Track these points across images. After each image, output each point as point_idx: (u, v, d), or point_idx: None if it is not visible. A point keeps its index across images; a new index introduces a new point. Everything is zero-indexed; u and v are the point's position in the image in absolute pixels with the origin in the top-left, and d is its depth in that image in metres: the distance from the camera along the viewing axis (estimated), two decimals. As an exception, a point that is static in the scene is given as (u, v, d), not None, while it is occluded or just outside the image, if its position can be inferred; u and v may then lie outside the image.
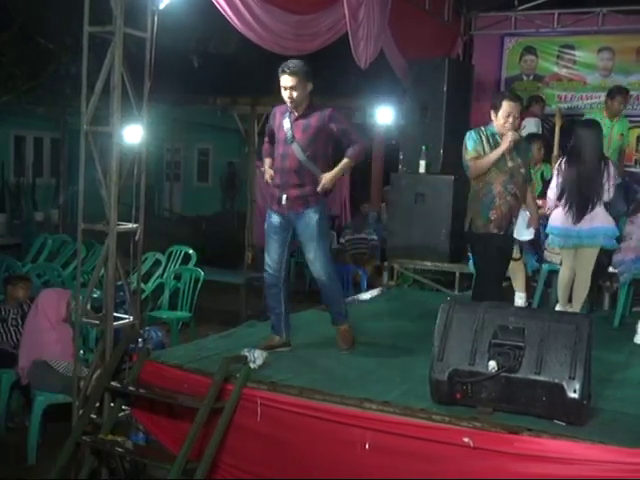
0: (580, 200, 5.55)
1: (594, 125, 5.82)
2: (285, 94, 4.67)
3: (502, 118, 5.04)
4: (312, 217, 4.74)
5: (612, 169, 5.61)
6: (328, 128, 4.71)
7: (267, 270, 4.89)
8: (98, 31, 4.56)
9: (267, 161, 5.06)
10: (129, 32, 4.55)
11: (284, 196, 4.77)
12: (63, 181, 12.84)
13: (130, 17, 4.65)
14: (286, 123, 4.75)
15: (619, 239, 5.80)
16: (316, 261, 4.79)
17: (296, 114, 4.74)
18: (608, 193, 5.60)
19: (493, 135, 5.10)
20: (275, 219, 4.85)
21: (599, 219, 5.54)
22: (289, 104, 4.71)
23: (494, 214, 5.02)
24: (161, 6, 4.87)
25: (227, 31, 8.68)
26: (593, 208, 5.53)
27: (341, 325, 5.00)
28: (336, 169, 4.75)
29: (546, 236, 6.27)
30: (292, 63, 4.68)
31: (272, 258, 4.86)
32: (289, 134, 4.73)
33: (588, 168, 5.55)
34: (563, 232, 5.65)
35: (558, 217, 5.67)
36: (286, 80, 4.64)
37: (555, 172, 5.79)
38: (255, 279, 9.33)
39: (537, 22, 9.96)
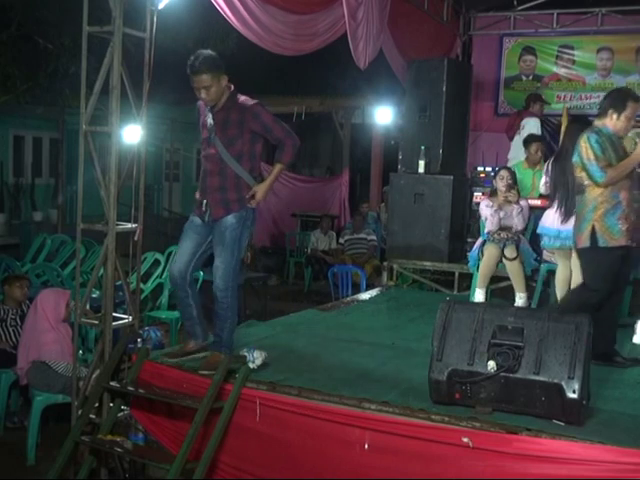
0: (562, 199, 5.54)
1: (581, 120, 5.93)
2: (199, 95, 4.28)
3: (626, 120, 4.58)
4: (229, 222, 4.32)
5: None
6: (249, 124, 4.28)
7: (172, 271, 4.50)
8: (97, 31, 4.56)
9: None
10: (128, 32, 4.54)
11: (204, 201, 4.39)
12: (62, 181, 12.83)
13: (129, 17, 4.65)
14: (209, 119, 4.35)
15: None
16: (217, 270, 4.32)
17: (216, 109, 4.35)
18: None
19: (610, 137, 4.63)
20: (197, 220, 4.46)
21: None
22: (207, 103, 4.34)
23: (624, 224, 4.57)
24: (160, 6, 4.86)
25: (226, 31, 8.70)
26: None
27: (215, 351, 4.44)
28: (269, 178, 4.40)
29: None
30: (200, 60, 4.21)
31: (181, 258, 4.45)
32: (211, 131, 4.34)
33: (571, 165, 5.40)
34: (550, 232, 5.68)
35: (548, 218, 5.71)
36: (197, 81, 4.22)
37: (544, 171, 5.83)
38: (254, 279, 9.36)
39: (536, 22, 9.99)
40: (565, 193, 5.54)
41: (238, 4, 5.67)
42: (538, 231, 5.89)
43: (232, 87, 4.36)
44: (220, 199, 4.34)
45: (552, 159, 5.83)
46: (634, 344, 5.37)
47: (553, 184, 5.67)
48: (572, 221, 5.47)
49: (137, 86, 4.70)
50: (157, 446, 4.38)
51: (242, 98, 4.37)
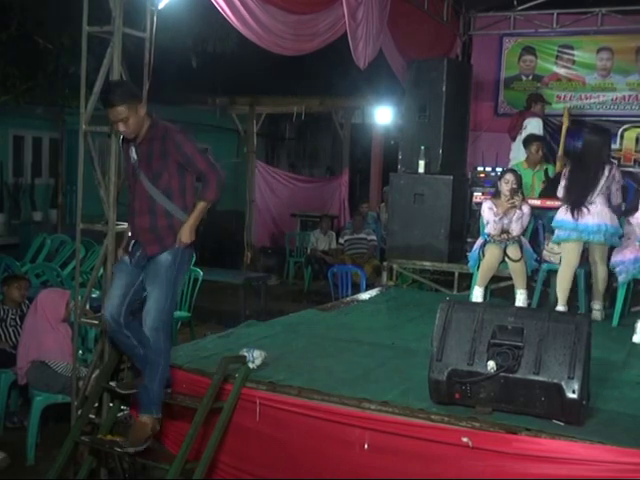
0: (578, 196, 5.76)
1: (600, 132, 6.19)
2: (118, 128, 3.97)
3: None
4: (164, 260, 3.96)
5: (617, 174, 5.85)
6: (172, 154, 3.92)
7: (105, 317, 4.10)
8: (97, 31, 4.56)
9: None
10: (128, 32, 4.55)
11: (133, 242, 4.08)
12: (62, 181, 12.83)
13: (129, 17, 4.65)
14: (132, 153, 4.03)
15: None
16: (148, 313, 3.94)
17: (138, 141, 4.01)
18: (615, 197, 5.87)
19: None
20: (126, 259, 4.12)
21: (602, 216, 5.74)
22: (127, 136, 4.01)
23: None
24: (160, 6, 4.87)
25: (226, 31, 8.70)
26: (593, 203, 5.72)
27: (143, 414, 4.00)
28: (191, 218, 3.97)
29: (545, 235, 6.34)
30: (112, 91, 3.96)
31: (112, 302, 4.05)
32: (135, 165, 4.01)
33: (588, 172, 5.79)
34: (568, 225, 5.82)
35: (564, 213, 5.88)
36: (112, 114, 3.90)
37: (562, 175, 6.00)
38: (254, 279, 9.36)
39: (536, 22, 9.99)
40: (583, 193, 5.76)
41: (238, 4, 5.67)
42: (553, 224, 5.99)
43: (153, 116, 4.03)
44: (153, 238, 3.98)
45: (570, 166, 6.08)
46: (634, 343, 5.36)
47: (569, 186, 5.86)
48: (589, 216, 5.71)
49: (137, 86, 4.69)
50: (157, 446, 4.38)
51: (164, 126, 4.01)
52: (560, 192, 6.01)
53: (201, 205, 3.99)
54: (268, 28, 6.04)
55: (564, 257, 5.95)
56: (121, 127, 3.92)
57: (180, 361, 4.48)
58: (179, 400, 4.18)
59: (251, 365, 4.26)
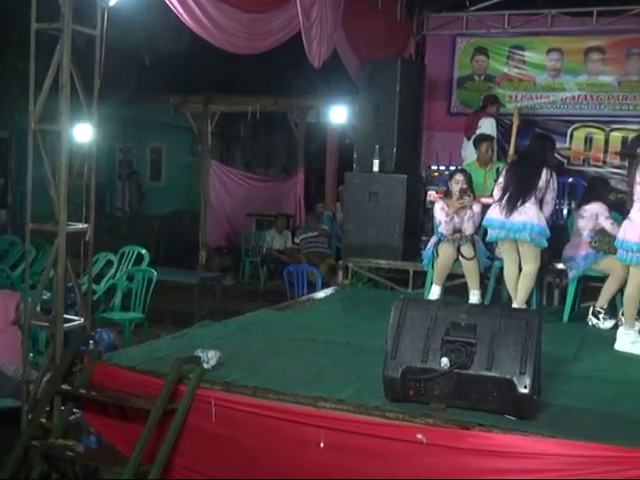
0: (511, 195, 5.80)
1: (544, 139, 6.34)
2: None
3: None
4: None
5: (554, 182, 5.87)
6: None
7: None
8: (45, 28, 4.48)
9: None
10: (78, 29, 4.48)
11: None
12: (11, 181, 12.59)
13: (79, 14, 4.57)
14: None
15: (550, 240, 5.91)
16: None
17: None
18: (547, 207, 5.87)
19: None
20: None
21: (529, 215, 5.74)
22: None
23: None
24: (111, 3, 4.80)
25: (179, 29, 8.60)
26: (523, 203, 5.74)
27: None
28: None
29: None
30: None
31: None
32: None
33: (527, 171, 5.86)
34: (495, 224, 5.87)
35: (494, 210, 5.91)
36: None
37: (502, 173, 6.06)
38: (209, 279, 9.30)
39: (488, 23, 10.11)
40: (518, 192, 5.76)
41: (190, 1, 5.61)
42: (484, 223, 6.04)
43: None
44: None
45: (509, 165, 6.22)
46: (616, 350, 5.33)
47: (506, 184, 5.83)
48: (516, 214, 5.72)
49: (88, 84, 4.63)
50: (111, 449, 4.31)
51: None
52: (495, 190, 6.06)
53: None
54: (221, 26, 5.98)
55: (503, 255, 6.05)
56: None
57: (133, 362, 4.42)
58: (132, 402, 4.12)
59: (206, 365, 4.23)
